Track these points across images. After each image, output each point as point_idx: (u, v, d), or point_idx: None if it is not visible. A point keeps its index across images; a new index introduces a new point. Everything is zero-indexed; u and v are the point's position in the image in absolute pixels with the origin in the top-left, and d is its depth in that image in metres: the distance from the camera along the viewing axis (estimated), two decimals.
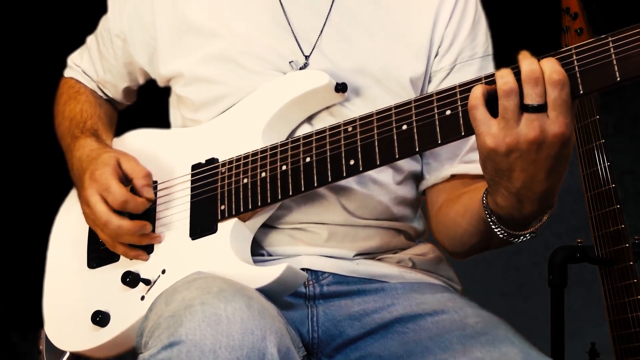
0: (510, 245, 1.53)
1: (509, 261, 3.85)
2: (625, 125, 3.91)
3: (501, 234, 1.48)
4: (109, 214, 1.63)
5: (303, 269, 1.63)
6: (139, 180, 1.66)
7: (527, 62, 1.33)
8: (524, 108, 1.32)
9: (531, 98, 1.31)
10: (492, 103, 1.35)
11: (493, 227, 1.47)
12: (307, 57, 1.70)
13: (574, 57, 1.32)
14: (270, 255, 1.68)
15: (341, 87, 1.64)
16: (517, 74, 1.33)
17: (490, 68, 1.78)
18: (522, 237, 1.48)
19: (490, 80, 1.38)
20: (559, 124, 1.31)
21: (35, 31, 3.62)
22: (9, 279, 3.69)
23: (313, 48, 1.71)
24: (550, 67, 1.31)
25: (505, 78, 1.33)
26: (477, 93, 1.35)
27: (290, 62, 1.69)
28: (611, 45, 1.29)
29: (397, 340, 1.58)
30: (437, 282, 1.75)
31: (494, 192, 1.42)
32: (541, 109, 1.31)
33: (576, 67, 1.32)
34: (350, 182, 1.66)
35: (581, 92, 1.32)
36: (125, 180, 1.68)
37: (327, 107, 1.68)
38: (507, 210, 1.43)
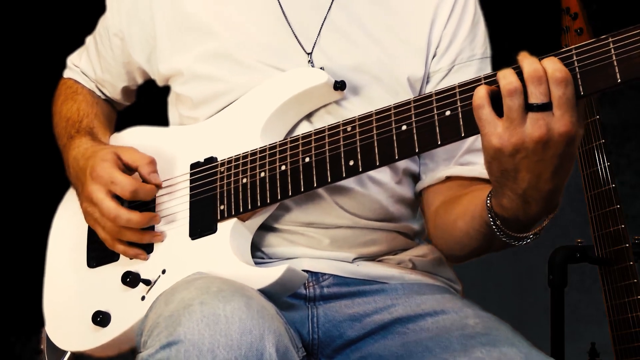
0: (511, 247, 1.52)
1: (509, 261, 3.84)
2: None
3: (504, 237, 1.46)
4: (117, 208, 1.62)
5: (303, 271, 1.62)
6: (145, 168, 1.65)
7: (528, 61, 1.32)
8: (528, 107, 1.31)
9: (535, 97, 1.30)
10: (495, 103, 1.33)
11: (495, 230, 1.46)
12: (309, 55, 1.70)
13: (574, 57, 1.31)
14: (269, 257, 1.67)
15: (340, 85, 1.64)
16: (519, 74, 1.32)
17: (488, 70, 1.77)
18: (524, 240, 1.47)
19: (490, 80, 1.37)
20: (564, 122, 1.30)
21: (35, 32, 3.62)
22: (9, 280, 3.69)
23: (314, 45, 1.70)
24: (552, 65, 1.30)
25: (508, 78, 1.32)
26: (482, 93, 1.34)
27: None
28: (612, 45, 1.28)
29: (397, 341, 1.58)
30: (437, 283, 1.74)
31: (499, 194, 1.41)
32: (546, 107, 1.30)
33: (577, 68, 1.31)
34: (349, 182, 1.65)
35: (582, 93, 1.31)
36: (128, 171, 1.66)
37: (325, 105, 1.68)
38: (512, 212, 1.41)
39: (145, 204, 1.68)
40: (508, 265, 3.85)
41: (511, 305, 3.79)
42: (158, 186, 1.65)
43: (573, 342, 2.50)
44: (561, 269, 2.42)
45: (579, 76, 1.31)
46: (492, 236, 1.50)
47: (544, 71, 1.30)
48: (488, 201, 1.46)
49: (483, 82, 1.38)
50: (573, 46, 1.32)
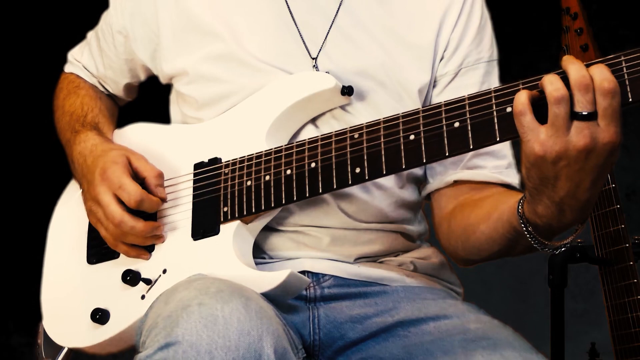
0: (531, 253, 1.49)
1: (509, 261, 3.84)
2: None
3: (536, 244, 1.43)
4: (122, 213, 1.62)
5: (304, 272, 1.63)
6: (153, 180, 1.66)
7: (575, 67, 1.29)
8: (573, 116, 1.28)
9: (582, 105, 1.28)
10: (535, 108, 1.31)
11: (528, 236, 1.43)
12: (314, 59, 1.69)
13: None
14: (271, 258, 1.67)
15: (347, 91, 1.64)
16: (564, 79, 1.29)
17: (495, 73, 1.77)
18: (558, 249, 1.44)
19: (499, 89, 1.36)
20: (609, 132, 1.28)
21: (36, 27, 3.62)
22: (8, 276, 3.70)
23: (320, 50, 1.70)
24: (600, 74, 1.27)
25: (555, 84, 1.29)
26: (524, 99, 1.31)
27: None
28: None
29: (398, 344, 1.58)
30: (439, 287, 1.74)
31: (535, 201, 1.38)
32: (591, 117, 1.28)
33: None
34: (353, 187, 1.63)
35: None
36: (136, 178, 1.67)
37: (330, 110, 1.67)
38: (546, 219, 1.38)
39: None
40: (508, 265, 3.84)
41: (511, 305, 3.79)
42: (163, 200, 1.66)
43: (573, 342, 2.50)
44: (561, 269, 2.41)
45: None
46: (515, 241, 1.48)
47: (591, 79, 1.27)
48: (520, 207, 1.43)
49: (493, 94, 1.37)
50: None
